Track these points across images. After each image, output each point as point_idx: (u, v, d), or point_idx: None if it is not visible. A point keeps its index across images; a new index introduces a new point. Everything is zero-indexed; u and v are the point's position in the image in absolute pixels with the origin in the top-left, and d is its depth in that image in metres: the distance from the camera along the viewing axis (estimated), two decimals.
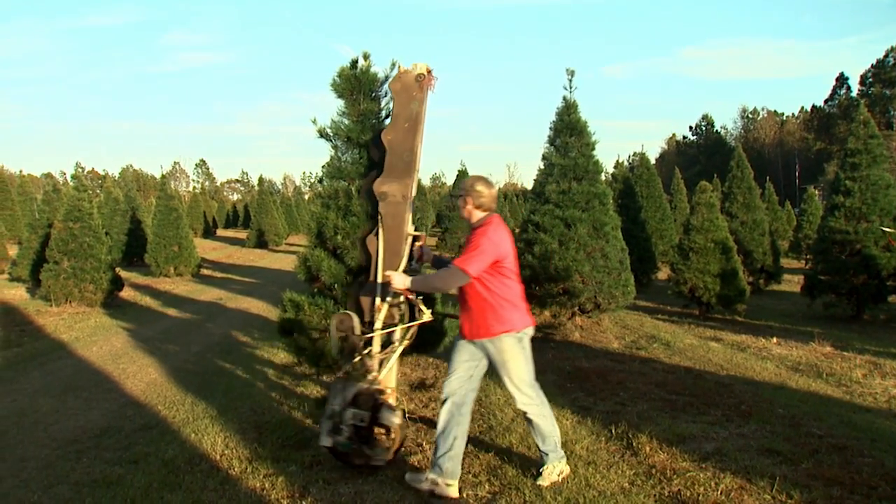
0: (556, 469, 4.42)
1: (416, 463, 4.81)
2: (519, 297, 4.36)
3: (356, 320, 4.53)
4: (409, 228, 4.83)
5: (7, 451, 5.39)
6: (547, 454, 4.43)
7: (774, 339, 10.38)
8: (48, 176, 77.98)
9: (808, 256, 23.08)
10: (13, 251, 23.07)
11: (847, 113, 61.93)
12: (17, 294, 17.33)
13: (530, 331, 4.39)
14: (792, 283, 18.65)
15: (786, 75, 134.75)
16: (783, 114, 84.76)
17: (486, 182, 4.40)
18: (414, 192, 4.88)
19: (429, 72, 5.01)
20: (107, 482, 4.57)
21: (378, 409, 4.48)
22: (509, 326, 4.25)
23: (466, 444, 5.21)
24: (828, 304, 13.38)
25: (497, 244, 4.20)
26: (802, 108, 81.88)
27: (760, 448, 5.04)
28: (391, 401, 4.66)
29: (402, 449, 4.87)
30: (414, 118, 4.95)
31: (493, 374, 7.42)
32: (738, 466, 4.60)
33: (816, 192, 32.50)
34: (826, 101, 73.68)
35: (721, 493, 4.17)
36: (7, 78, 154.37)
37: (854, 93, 68.62)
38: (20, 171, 77.28)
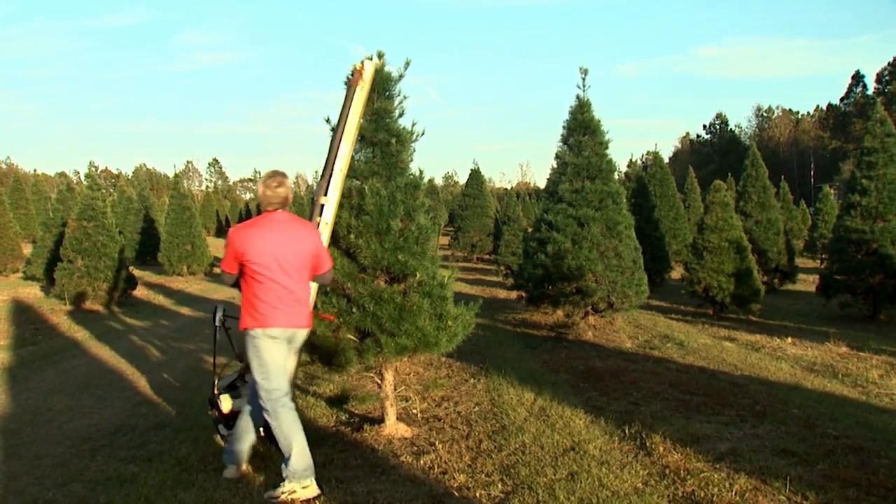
0: (287, 489, 4.12)
1: (428, 462, 4.79)
2: (274, 299, 4.19)
3: (218, 311, 4.93)
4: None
5: (22, 449, 5.42)
6: (284, 468, 4.18)
7: (789, 339, 10.31)
8: (62, 175, 78.82)
9: (823, 256, 22.91)
10: (28, 250, 23.27)
11: (863, 111, 61.32)
12: (31, 292, 17.48)
13: (274, 332, 4.19)
14: (807, 283, 18.52)
15: (801, 73, 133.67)
16: (798, 112, 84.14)
17: (267, 180, 4.34)
18: (326, 193, 4.93)
19: (361, 67, 5.06)
20: (121, 480, 4.58)
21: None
22: (245, 324, 4.23)
23: (480, 443, 5.22)
24: (843, 304, 13.29)
25: (231, 242, 4.23)
26: (818, 106, 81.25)
27: (775, 449, 5.00)
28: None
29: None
30: (341, 119, 5.03)
31: (501, 373, 7.43)
32: (753, 467, 4.57)
33: (832, 191, 32.30)
34: (842, 100, 73.01)
35: (735, 494, 4.14)
36: (21, 78, 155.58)
37: (870, 91, 67.96)
38: (34, 171, 77.74)
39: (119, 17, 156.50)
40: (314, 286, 4.70)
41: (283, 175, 4.42)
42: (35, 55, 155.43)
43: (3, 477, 4.76)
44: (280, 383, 4.23)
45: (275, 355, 4.22)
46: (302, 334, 4.41)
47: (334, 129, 5.10)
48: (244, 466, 4.57)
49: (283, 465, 4.17)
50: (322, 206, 4.94)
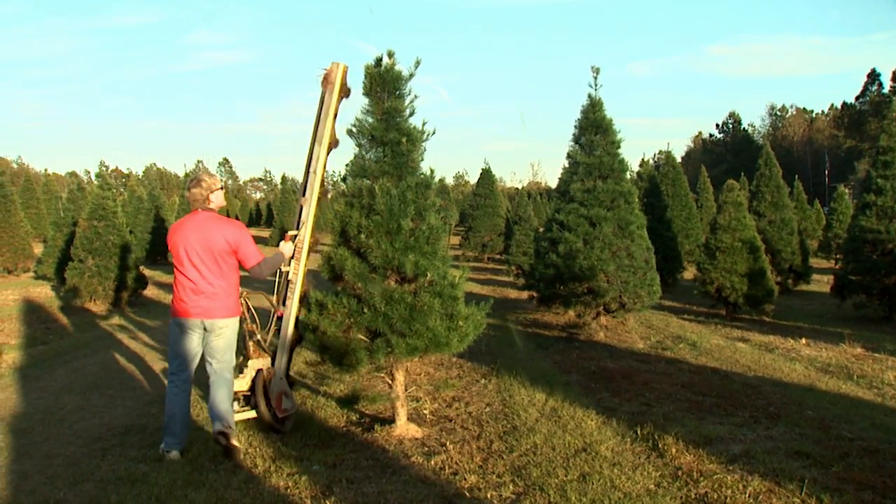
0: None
1: (439, 463, 4.77)
2: (181, 291, 4.90)
3: None
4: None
5: (33, 448, 5.43)
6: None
7: (803, 340, 10.22)
8: (73, 174, 79.22)
9: (837, 256, 22.70)
10: (38, 249, 23.37)
11: (879, 110, 60.74)
12: (42, 292, 17.56)
13: (182, 321, 4.90)
14: (821, 284, 18.38)
15: (815, 72, 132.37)
16: (812, 111, 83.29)
17: (188, 182, 5.00)
18: (303, 192, 5.55)
19: (329, 71, 5.40)
20: (131, 479, 4.58)
21: None
22: (171, 311, 5.01)
23: (491, 444, 5.19)
24: (858, 305, 13.15)
25: (167, 239, 5.00)
26: (832, 105, 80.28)
27: (789, 450, 4.96)
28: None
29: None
30: (315, 124, 5.50)
31: (512, 373, 7.39)
32: (767, 469, 4.52)
33: (847, 190, 31.97)
34: (857, 98, 72.30)
35: (749, 496, 4.09)
36: (32, 77, 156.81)
37: (886, 89, 67.31)
38: (45, 170, 78.23)
39: (129, 16, 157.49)
40: (299, 286, 5.58)
41: (208, 177, 5.03)
42: (45, 54, 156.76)
43: (15, 476, 4.78)
44: (179, 367, 4.96)
45: (181, 341, 4.91)
46: (218, 323, 4.93)
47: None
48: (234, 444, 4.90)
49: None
50: (301, 207, 5.46)
